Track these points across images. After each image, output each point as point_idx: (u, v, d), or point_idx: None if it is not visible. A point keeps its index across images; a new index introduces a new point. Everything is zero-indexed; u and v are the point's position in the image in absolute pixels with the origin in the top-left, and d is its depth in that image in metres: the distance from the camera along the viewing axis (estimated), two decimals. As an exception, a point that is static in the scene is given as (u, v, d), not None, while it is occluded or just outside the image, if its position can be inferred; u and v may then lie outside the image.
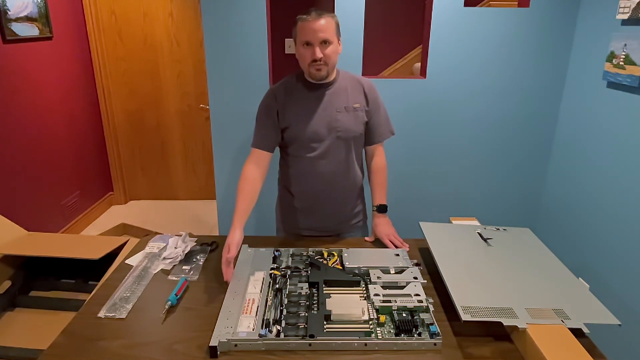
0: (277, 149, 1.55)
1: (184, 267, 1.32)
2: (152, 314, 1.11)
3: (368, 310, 1.07)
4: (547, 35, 2.07)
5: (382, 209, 1.54)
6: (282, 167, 1.60)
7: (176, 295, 1.15)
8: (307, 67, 1.40)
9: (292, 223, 1.61)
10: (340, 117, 1.45)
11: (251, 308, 1.08)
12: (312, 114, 1.45)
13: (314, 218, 1.57)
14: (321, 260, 1.30)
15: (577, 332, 0.97)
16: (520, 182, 2.33)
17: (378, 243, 1.49)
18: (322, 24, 1.33)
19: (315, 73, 1.39)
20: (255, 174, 1.42)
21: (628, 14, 1.66)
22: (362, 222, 1.66)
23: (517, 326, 0.98)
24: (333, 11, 2.01)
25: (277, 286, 1.17)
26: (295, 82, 1.48)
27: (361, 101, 1.49)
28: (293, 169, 1.53)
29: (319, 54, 1.35)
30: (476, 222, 1.52)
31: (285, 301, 1.10)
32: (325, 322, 1.03)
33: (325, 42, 1.35)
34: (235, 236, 1.26)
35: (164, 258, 1.35)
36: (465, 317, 0.99)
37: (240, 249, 1.34)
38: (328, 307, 1.06)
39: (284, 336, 0.99)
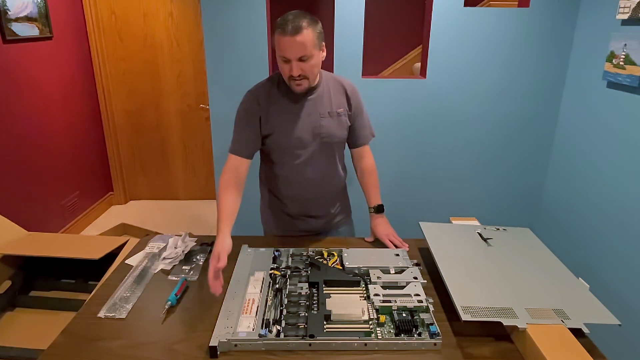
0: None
1: (183, 267, 1.32)
2: (152, 314, 1.11)
3: (368, 310, 1.07)
4: (547, 35, 2.07)
5: (379, 209, 1.54)
6: (265, 172, 1.56)
7: (176, 295, 1.15)
8: (287, 81, 1.34)
9: (279, 225, 1.59)
10: (325, 122, 1.41)
11: (251, 308, 1.08)
12: (296, 120, 1.40)
13: (301, 221, 1.56)
14: (321, 260, 1.30)
15: (577, 332, 0.97)
16: (520, 182, 2.33)
17: (378, 243, 1.49)
18: (299, 40, 1.23)
19: (296, 88, 1.34)
20: (235, 183, 1.36)
21: (628, 14, 1.66)
22: (345, 218, 1.65)
23: (517, 326, 0.98)
24: (333, 12, 2.01)
25: (277, 286, 1.17)
26: (277, 85, 1.42)
27: (344, 105, 1.45)
28: (277, 175, 1.49)
29: (296, 71, 1.28)
30: (476, 222, 1.52)
31: (285, 301, 1.10)
32: (325, 322, 1.03)
33: (303, 58, 1.27)
34: (225, 243, 1.18)
35: (164, 258, 1.35)
36: (465, 317, 0.99)
37: (239, 251, 1.34)
38: (328, 307, 1.06)
39: (284, 336, 0.99)
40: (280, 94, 1.41)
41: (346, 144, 1.56)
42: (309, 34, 1.24)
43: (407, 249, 1.42)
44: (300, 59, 1.27)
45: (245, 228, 2.35)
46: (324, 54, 1.35)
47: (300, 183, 1.48)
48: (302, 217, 1.55)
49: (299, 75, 1.29)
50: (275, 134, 1.41)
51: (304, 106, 1.41)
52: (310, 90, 1.41)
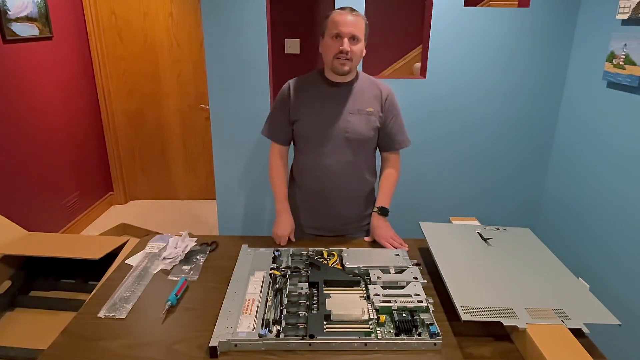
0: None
1: (184, 267, 1.32)
2: (152, 314, 1.11)
3: (368, 310, 1.07)
4: (547, 35, 2.07)
5: (383, 211, 1.54)
6: (294, 164, 1.62)
7: (176, 295, 1.15)
8: (331, 60, 1.41)
9: (297, 220, 1.61)
10: (352, 118, 1.46)
11: (251, 308, 1.08)
12: (324, 112, 1.46)
13: (318, 216, 1.57)
14: (321, 260, 1.30)
15: (577, 332, 0.97)
16: (520, 182, 2.33)
17: (378, 243, 1.49)
18: (355, 20, 1.37)
19: (339, 67, 1.40)
20: (281, 163, 1.58)
21: (628, 14, 1.66)
22: (369, 224, 1.65)
23: (517, 326, 0.98)
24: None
25: (277, 286, 1.17)
26: (314, 77, 1.51)
27: (376, 107, 1.49)
28: (301, 165, 1.55)
29: (347, 46, 1.36)
30: (476, 222, 1.52)
31: (285, 301, 1.10)
32: (325, 322, 1.03)
33: (354, 38, 1.38)
34: (287, 223, 1.50)
35: (164, 258, 1.35)
36: (465, 317, 0.99)
37: (240, 251, 1.34)
38: (328, 307, 1.06)
39: (284, 336, 0.99)
40: (315, 84, 1.49)
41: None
42: (362, 20, 1.41)
43: (407, 249, 1.42)
44: (352, 38, 1.38)
45: (245, 228, 2.35)
46: (365, 52, 1.46)
47: (320, 174, 1.50)
48: (319, 212, 1.56)
49: (347, 53, 1.37)
50: (301, 120, 1.48)
51: (335, 99, 1.47)
52: (345, 84, 1.48)
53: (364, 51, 1.45)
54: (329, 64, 1.43)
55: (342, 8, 1.40)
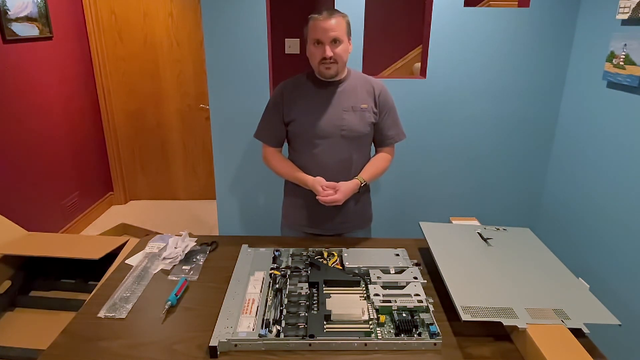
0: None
1: (184, 267, 1.32)
2: (152, 314, 1.11)
3: (368, 310, 1.07)
4: (547, 35, 2.07)
5: (362, 183, 1.50)
6: None
7: (176, 295, 1.15)
8: (317, 65, 1.43)
9: (295, 219, 1.61)
10: (347, 116, 1.47)
11: (251, 308, 1.08)
12: (318, 111, 1.47)
13: (316, 215, 1.57)
14: (321, 260, 1.30)
15: (577, 332, 0.97)
16: (520, 182, 2.33)
17: (378, 243, 1.49)
18: (333, 23, 1.37)
19: (325, 71, 1.43)
20: (281, 155, 1.57)
21: (628, 14, 1.66)
22: (363, 224, 1.65)
23: (517, 326, 0.98)
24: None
25: (277, 286, 1.17)
26: (305, 79, 1.52)
27: (370, 102, 1.50)
28: (297, 164, 1.54)
29: (329, 52, 1.38)
30: (476, 222, 1.52)
31: (285, 301, 1.10)
32: (325, 322, 1.03)
33: (335, 41, 1.38)
34: (315, 179, 1.44)
35: (164, 258, 1.35)
36: (465, 317, 0.99)
37: (240, 251, 1.34)
38: (328, 307, 1.06)
39: (284, 336, 0.99)
40: (307, 85, 1.50)
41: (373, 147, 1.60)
42: (341, 20, 1.40)
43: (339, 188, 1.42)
44: (333, 42, 1.38)
45: (245, 228, 2.35)
46: (351, 47, 1.46)
47: (318, 172, 1.50)
48: (317, 211, 1.56)
49: (330, 58, 1.38)
50: (296, 121, 1.49)
51: (328, 98, 1.48)
52: (336, 83, 1.49)
53: (350, 47, 1.46)
54: (316, 70, 1.47)
55: (320, 12, 1.39)
